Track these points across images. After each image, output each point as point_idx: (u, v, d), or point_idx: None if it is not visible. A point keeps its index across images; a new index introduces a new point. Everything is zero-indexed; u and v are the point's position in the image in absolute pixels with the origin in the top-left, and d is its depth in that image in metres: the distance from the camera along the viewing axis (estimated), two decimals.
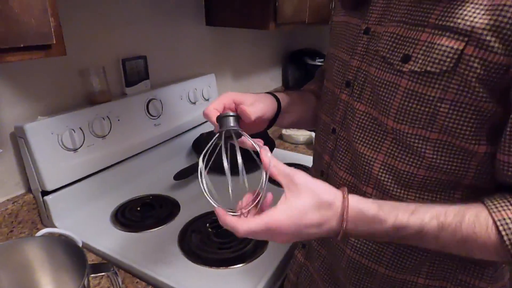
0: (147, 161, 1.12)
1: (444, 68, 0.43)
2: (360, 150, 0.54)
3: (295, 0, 1.18)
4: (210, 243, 0.84)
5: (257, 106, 0.56)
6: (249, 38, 1.57)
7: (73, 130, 0.88)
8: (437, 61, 0.43)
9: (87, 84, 0.96)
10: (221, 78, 1.45)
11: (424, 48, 0.44)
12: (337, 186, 0.48)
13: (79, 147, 0.91)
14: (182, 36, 1.23)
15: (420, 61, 0.45)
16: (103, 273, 0.57)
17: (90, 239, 0.85)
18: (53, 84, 0.90)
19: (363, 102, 0.53)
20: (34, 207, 0.90)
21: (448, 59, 0.43)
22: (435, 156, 0.47)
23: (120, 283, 0.60)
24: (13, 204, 0.87)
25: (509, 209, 0.42)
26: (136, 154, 1.08)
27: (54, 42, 0.63)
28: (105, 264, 0.57)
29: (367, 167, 0.53)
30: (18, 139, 0.84)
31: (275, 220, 0.43)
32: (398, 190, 0.51)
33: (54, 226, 0.89)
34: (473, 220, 0.42)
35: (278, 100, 0.63)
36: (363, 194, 0.54)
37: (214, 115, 0.52)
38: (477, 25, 0.40)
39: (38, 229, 0.89)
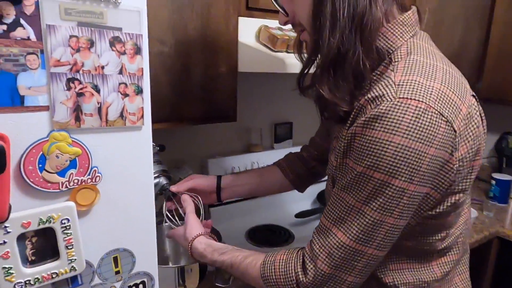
0: (279, 199, 1.45)
1: (330, 172, 0.60)
2: None
3: None
4: None
5: (186, 183, 0.86)
6: None
7: (234, 167, 1.31)
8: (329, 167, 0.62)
9: (248, 138, 1.39)
10: None
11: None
12: None
13: None
14: None
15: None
16: None
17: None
18: (227, 137, 1.36)
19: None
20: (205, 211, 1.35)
21: (331, 167, 0.60)
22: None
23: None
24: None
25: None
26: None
27: (231, 114, 1.05)
28: None
29: None
30: (204, 167, 1.32)
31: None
32: None
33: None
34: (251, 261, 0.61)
35: (219, 178, 0.89)
36: None
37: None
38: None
39: None
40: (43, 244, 0.38)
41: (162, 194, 0.91)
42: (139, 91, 0.41)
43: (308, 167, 0.96)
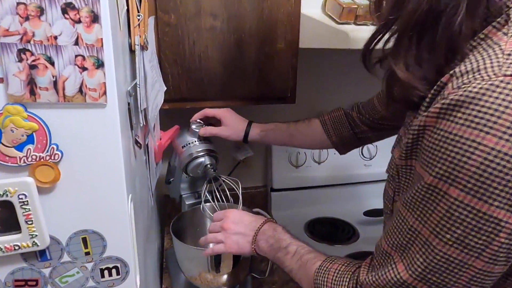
0: (349, 192, 1.29)
1: (391, 173, 0.44)
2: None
3: None
4: None
5: (210, 131, 0.86)
6: None
7: (298, 152, 1.21)
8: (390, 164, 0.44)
9: None
10: None
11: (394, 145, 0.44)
12: None
13: (300, 166, 1.22)
14: None
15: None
16: None
17: None
18: (286, 120, 1.25)
19: None
20: (264, 196, 1.30)
21: (393, 166, 0.43)
22: None
23: None
24: (255, 190, 1.30)
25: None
26: (342, 184, 1.29)
27: (289, 95, 0.95)
28: None
29: None
30: (268, 152, 1.25)
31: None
32: None
33: (269, 213, 1.25)
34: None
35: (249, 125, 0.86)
36: None
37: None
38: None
39: None
40: (7, 215, 0.38)
41: (205, 175, 0.89)
42: (100, 64, 0.37)
43: (356, 131, 0.81)
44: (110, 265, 0.44)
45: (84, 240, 0.42)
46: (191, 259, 0.81)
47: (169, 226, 0.86)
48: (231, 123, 0.87)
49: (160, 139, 0.89)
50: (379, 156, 1.27)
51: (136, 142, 0.55)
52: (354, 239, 1.10)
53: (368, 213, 1.19)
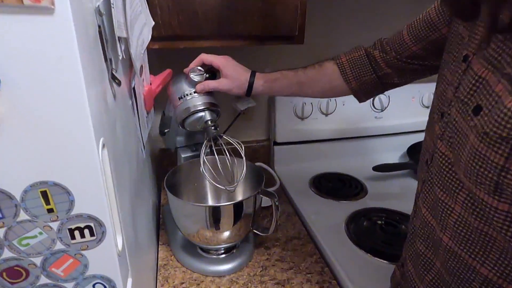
0: (357, 146, 1.20)
1: (505, 134, 0.31)
2: (438, 195, 0.43)
3: None
4: (374, 233, 0.87)
5: (211, 85, 0.75)
6: None
7: (304, 103, 1.10)
8: (501, 123, 0.31)
9: None
10: None
11: (493, 103, 0.32)
12: (420, 223, 0.45)
13: (306, 118, 1.12)
14: None
15: (487, 118, 0.33)
16: (269, 198, 0.75)
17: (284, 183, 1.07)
18: (293, 64, 1.13)
19: (444, 143, 0.42)
20: (267, 150, 1.21)
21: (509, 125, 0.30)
22: (504, 229, 0.35)
23: (279, 215, 0.77)
24: (257, 144, 1.21)
25: None
26: (351, 138, 1.19)
27: (297, 34, 0.82)
28: (273, 193, 0.75)
29: (444, 215, 0.43)
30: (271, 102, 1.14)
31: None
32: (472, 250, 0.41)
33: (272, 167, 1.16)
34: None
35: (253, 76, 0.75)
36: (439, 241, 0.44)
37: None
38: None
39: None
40: None
41: (205, 131, 0.79)
42: None
43: (379, 74, 0.69)
44: (81, 225, 0.35)
45: (44, 195, 0.33)
46: (188, 215, 0.74)
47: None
48: (232, 74, 0.74)
49: (151, 84, 0.78)
50: (391, 107, 1.16)
51: (114, 77, 0.44)
52: (362, 195, 1.03)
53: (377, 168, 1.10)
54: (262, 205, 0.82)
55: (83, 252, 0.37)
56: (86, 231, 0.36)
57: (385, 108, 1.15)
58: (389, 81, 0.69)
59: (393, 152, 1.22)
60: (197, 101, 0.75)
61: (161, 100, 0.87)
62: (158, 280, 0.75)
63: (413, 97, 1.18)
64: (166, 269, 0.78)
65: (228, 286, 0.73)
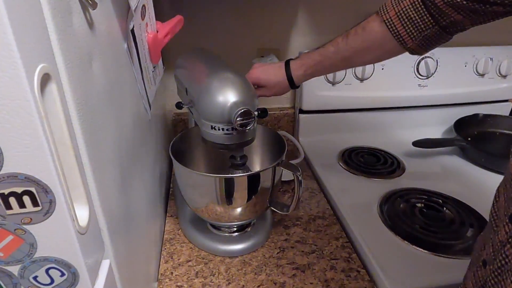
0: (395, 118, 1.04)
1: None
2: None
3: None
4: (412, 217, 0.73)
5: (263, 90, 0.71)
6: None
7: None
8: None
9: None
10: None
11: None
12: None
13: (338, 83, 0.96)
14: None
15: None
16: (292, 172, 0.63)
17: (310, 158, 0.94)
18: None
19: None
20: (291, 119, 1.08)
21: None
22: None
23: (301, 191, 0.65)
24: (280, 112, 1.07)
25: None
26: (389, 108, 1.03)
27: None
28: (296, 167, 0.63)
29: None
30: None
31: None
32: None
33: (296, 138, 1.03)
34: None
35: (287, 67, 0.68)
36: None
37: None
38: None
39: None
40: None
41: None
42: None
43: (442, 23, 0.52)
44: (17, 189, 0.24)
45: None
46: (195, 186, 0.63)
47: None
48: (268, 79, 0.70)
49: (157, 31, 0.65)
50: (439, 74, 0.98)
51: None
52: (399, 173, 0.88)
53: (418, 143, 0.94)
54: (283, 179, 0.70)
55: (25, 227, 0.26)
56: (27, 199, 0.25)
57: (432, 74, 0.98)
58: (458, 28, 0.53)
59: (437, 126, 1.05)
60: (231, 141, 0.58)
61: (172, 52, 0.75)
62: (162, 256, 0.66)
63: (466, 63, 0.99)
64: (172, 244, 0.68)
65: (239, 268, 0.63)
